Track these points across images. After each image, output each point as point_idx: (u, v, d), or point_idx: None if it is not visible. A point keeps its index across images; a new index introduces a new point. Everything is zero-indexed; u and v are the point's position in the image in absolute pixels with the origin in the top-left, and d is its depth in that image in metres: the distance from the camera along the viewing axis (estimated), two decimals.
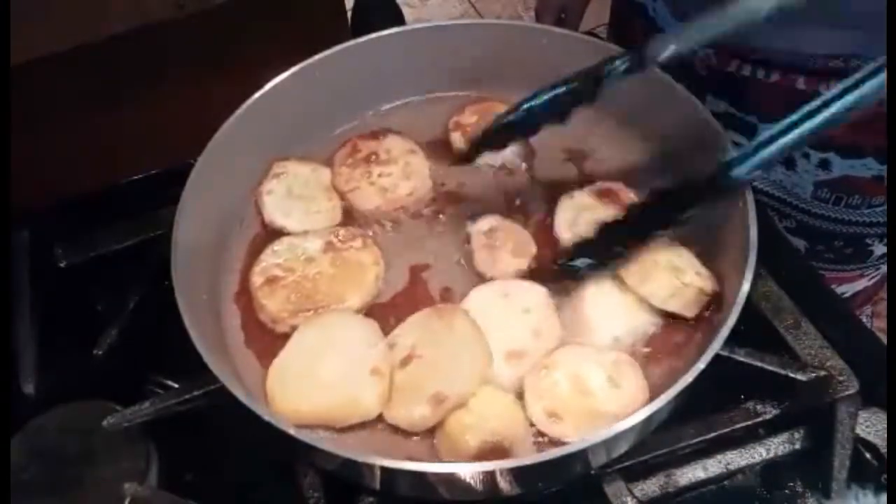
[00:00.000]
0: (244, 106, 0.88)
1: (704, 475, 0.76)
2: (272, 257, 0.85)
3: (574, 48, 0.93)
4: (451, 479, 0.67)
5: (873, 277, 1.17)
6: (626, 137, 0.93)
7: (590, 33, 1.01)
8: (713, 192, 0.74)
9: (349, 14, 1.27)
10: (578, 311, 0.80)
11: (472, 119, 0.95)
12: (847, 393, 0.77)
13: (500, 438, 0.71)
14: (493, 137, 0.85)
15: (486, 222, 0.87)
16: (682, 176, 0.75)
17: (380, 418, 0.74)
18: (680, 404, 0.68)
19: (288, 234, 0.87)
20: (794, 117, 0.70)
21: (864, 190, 1.02)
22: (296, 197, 0.90)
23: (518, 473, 0.66)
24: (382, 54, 0.95)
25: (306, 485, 0.74)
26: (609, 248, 0.78)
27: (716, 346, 0.68)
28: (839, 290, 1.14)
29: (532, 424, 0.73)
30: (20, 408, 0.83)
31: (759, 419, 0.77)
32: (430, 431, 0.74)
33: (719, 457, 0.77)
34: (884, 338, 0.87)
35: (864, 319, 1.28)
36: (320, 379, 0.75)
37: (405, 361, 0.76)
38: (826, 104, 0.68)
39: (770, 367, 0.77)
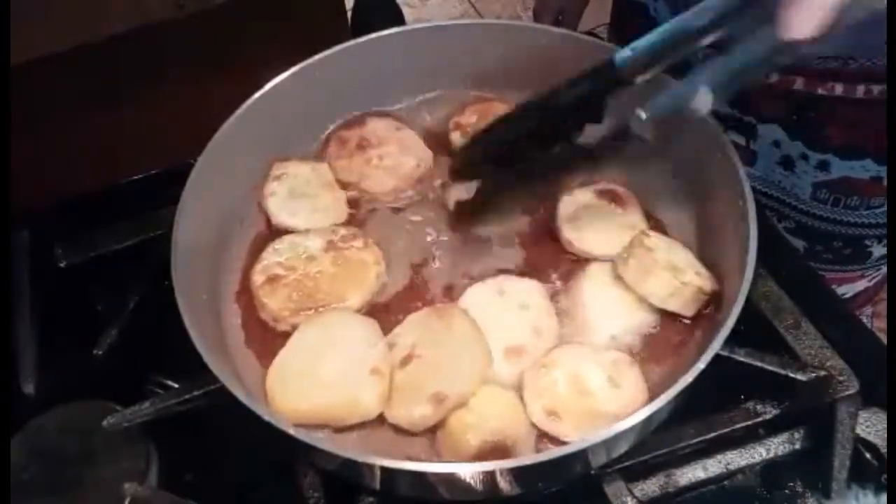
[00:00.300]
0: (244, 106, 0.88)
1: (704, 475, 0.76)
2: (273, 256, 0.85)
3: (574, 48, 0.93)
4: (451, 479, 0.67)
5: (873, 278, 1.17)
6: None
7: (590, 33, 1.01)
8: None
9: (349, 14, 1.27)
10: (576, 309, 0.80)
11: (472, 119, 0.95)
12: (847, 393, 0.77)
13: (501, 437, 0.72)
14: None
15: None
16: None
17: (380, 418, 0.74)
18: (680, 404, 0.68)
19: (292, 232, 0.88)
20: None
21: (863, 191, 1.02)
22: (299, 196, 0.90)
23: (518, 473, 0.66)
24: (382, 54, 0.95)
25: (306, 485, 0.74)
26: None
27: (716, 346, 0.68)
28: (839, 290, 1.14)
29: (532, 423, 0.73)
30: (20, 408, 0.83)
31: (759, 419, 0.77)
32: (432, 430, 0.74)
33: (719, 457, 0.77)
34: (884, 338, 0.87)
35: (864, 319, 1.28)
36: (320, 378, 0.75)
37: (405, 361, 0.76)
38: None
39: (770, 367, 0.77)
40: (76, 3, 0.92)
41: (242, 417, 0.67)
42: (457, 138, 0.94)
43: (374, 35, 0.94)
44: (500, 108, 0.96)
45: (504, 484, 0.68)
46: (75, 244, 0.95)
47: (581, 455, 0.67)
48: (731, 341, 0.69)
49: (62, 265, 0.94)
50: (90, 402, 0.81)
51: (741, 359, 0.76)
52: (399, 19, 1.58)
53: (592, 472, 0.73)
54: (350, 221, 0.90)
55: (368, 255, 0.85)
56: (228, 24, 1.03)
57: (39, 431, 0.79)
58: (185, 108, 0.99)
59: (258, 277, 0.83)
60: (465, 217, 0.87)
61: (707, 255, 0.82)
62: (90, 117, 1.03)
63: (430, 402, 0.73)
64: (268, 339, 0.81)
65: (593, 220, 0.85)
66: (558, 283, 0.84)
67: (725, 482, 0.77)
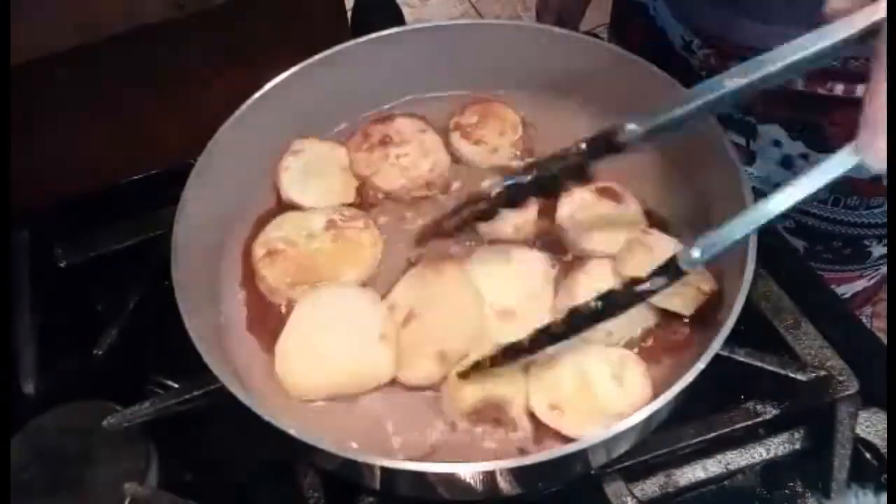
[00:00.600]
0: (244, 106, 0.88)
1: (704, 475, 0.76)
2: (275, 230, 0.86)
3: (574, 48, 0.94)
4: (451, 479, 0.67)
5: (872, 278, 1.17)
6: None
7: (590, 33, 1.01)
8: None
9: (349, 14, 1.27)
10: (574, 303, 0.80)
11: (473, 119, 0.95)
12: (847, 393, 0.77)
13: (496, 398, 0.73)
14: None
15: None
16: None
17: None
18: (680, 404, 0.68)
19: (299, 209, 0.89)
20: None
21: (863, 191, 1.02)
22: (312, 174, 0.92)
23: (518, 473, 0.66)
24: (382, 54, 0.95)
25: (306, 485, 0.74)
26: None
27: (716, 346, 0.68)
28: (838, 290, 1.14)
29: (533, 414, 0.74)
30: (20, 408, 0.83)
31: (759, 419, 0.77)
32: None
33: (719, 457, 0.77)
34: (884, 338, 0.87)
35: (864, 319, 1.28)
36: (331, 352, 0.77)
37: (406, 321, 0.78)
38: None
39: (770, 367, 0.77)
40: (76, 3, 0.92)
41: (242, 417, 0.67)
42: (456, 139, 0.94)
43: (374, 35, 0.94)
44: (499, 109, 0.96)
45: (504, 484, 0.68)
46: (75, 244, 0.95)
47: (581, 455, 0.67)
48: (731, 341, 0.69)
49: (62, 265, 0.94)
50: (90, 402, 0.81)
51: (741, 359, 0.76)
52: (399, 19, 1.58)
53: (592, 472, 0.73)
54: (356, 206, 0.91)
55: (367, 235, 0.86)
56: (228, 24, 1.03)
57: (39, 431, 0.79)
58: (186, 108, 0.99)
59: (259, 250, 0.85)
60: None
61: None
62: (90, 117, 1.03)
63: (433, 360, 0.75)
64: (270, 322, 0.81)
65: (592, 218, 0.85)
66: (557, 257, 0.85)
67: (725, 482, 0.77)
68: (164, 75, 1.04)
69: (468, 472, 0.66)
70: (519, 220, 0.85)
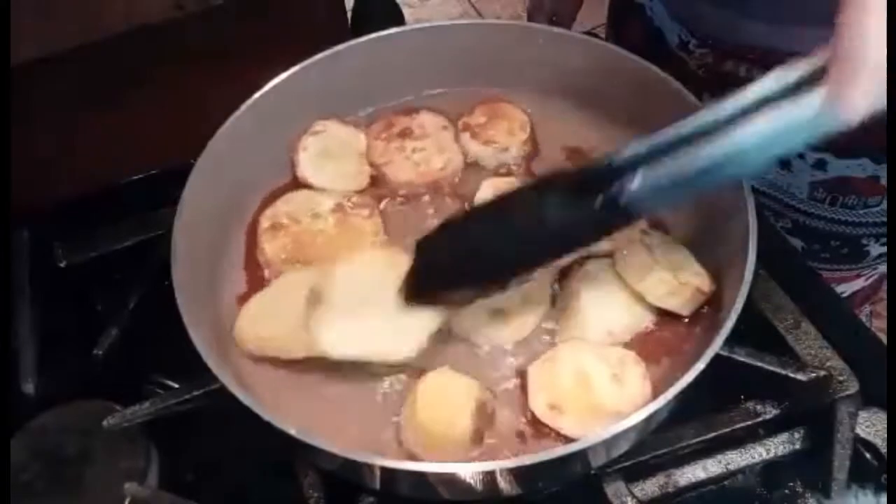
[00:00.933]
0: (244, 106, 0.88)
1: (704, 475, 0.76)
2: (284, 205, 0.88)
3: (573, 48, 0.94)
4: (451, 479, 0.67)
5: (870, 277, 1.18)
6: (626, 137, 0.93)
7: (589, 33, 1.01)
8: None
9: (349, 14, 1.27)
10: (573, 305, 0.80)
11: (482, 119, 0.95)
12: (847, 393, 0.77)
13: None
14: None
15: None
16: None
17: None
18: (680, 404, 0.68)
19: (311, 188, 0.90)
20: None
21: (860, 190, 1.02)
22: (330, 156, 0.93)
23: (518, 473, 0.66)
24: (382, 54, 0.95)
25: (306, 485, 0.74)
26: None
27: (716, 346, 0.68)
28: (837, 290, 1.14)
29: (534, 415, 0.74)
30: (20, 408, 0.83)
31: (759, 419, 0.77)
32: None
33: (719, 457, 0.77)
34: (884, 338, 0.87)
35: (864, 319, 1.28)
36: (284, 312, 0.77)
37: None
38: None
39: (770, 367, 0.77)
40: (76, 3, 0.92)
41: (242, 417, 0.67)
42: (466, 139, 0.94)
43: (374, 35, 0.94)
44: (507, 108, 0.96)
45: (504, 484, 0.68)
46: (75, 244, 0.95)
47: (581, 455, 0.66)
48: (730, 341, 0.69)
49: (62, 265, 0.94)
50: (90, 402, 0.80)
51: (741, 359, 0.76)
52: (399, 19, 1.58)
53: (592, 472, 0.73)
54: (368, 193, 0.91)
55: (370, 225, 0.87)
56: (228, 24, 1.03)
57: (39, 431, 0.79)
58: (185, 108, 0.99)
59: (265, 222, 0.86)
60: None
61: (706, 255, 0.82)
62: (90, 117, 1.03)
63: None
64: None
65: None
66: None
67: (725, 482, 0.77)
68: (163, 75, 1.04)
69: (468, 472, 0.66)
70: None
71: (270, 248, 0.85)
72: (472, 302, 0.76)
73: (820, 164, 1.00)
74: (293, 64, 0.91)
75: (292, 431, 0.66)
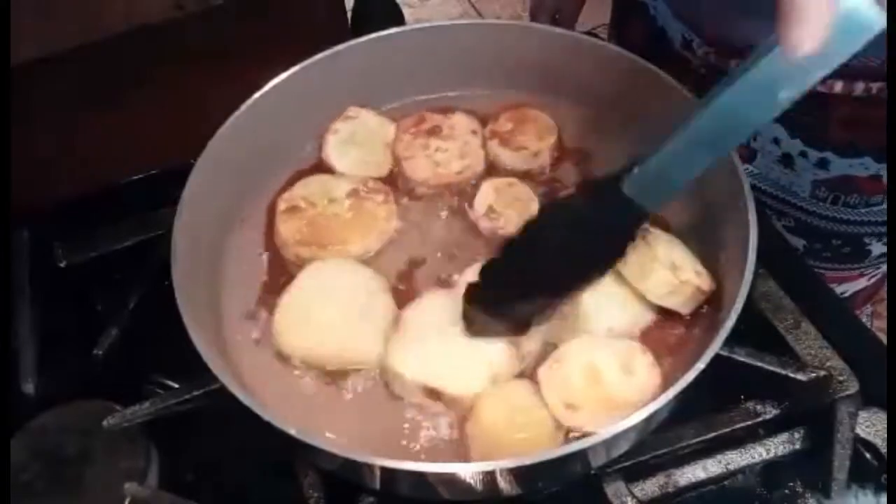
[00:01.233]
0: (244, 106, 0.88)
1: (704, 475, 0.76)
2: (301, 189, 0.89)
3: (574, 48, 0.93)
4: (451, 479, 0.67)
5: (873, 276, 1.17)
6: (626, 137, 0.93)
7: (590, 33, 1.01)
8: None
9: (349, 14, 1.27)
10: (574, 302, 0.80)
11: (508, 126, 0.94)
12: (847, 393, 0.77)
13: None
14: None
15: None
16: None
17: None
18: (680, 404, 0.68)
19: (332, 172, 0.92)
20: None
21: (862, 189, 1.02)
22: (355, 142, 0.94)
23: (518, 473, 0.66)
24: (382, 54, 0.95)
25: (306, 485, 0.74)
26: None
27: (716, 346, 0.68)
28: (838, 289, 1.14)
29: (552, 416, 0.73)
30: (20, 408, 0.83)
31: (759, 419, 0.77)
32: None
33: (719, 457, 0.77)
34: (884, 338, 0.87)
35: (864, 319, 1.28)
36: (328, 321, 0.79)
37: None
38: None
39: (770, 367, 0.77)
40: (76, 3, 0.92)
41: (242, 417, 0.67)
42: (494, 146, 0.93)
43: (374, 35, 0.94)
44: (533, 114, 0.95)
45: (504, 484, 0.68)
46: (75, 244, 0.95)
47: (581, 455, 0.66)
48: (730, 341, 0.69)
49: (62, 265, 0.94)
50: (90, 402, 0.81)
51: (741, 359, 0.76)
52: (399, 19, 1.58)
53: (592, 472, 0.73)
54: (386, 182, 0.92)
55: (383, 210, 0.88)
56: (228, 24, 1.03)
57: (39, 431, 0.79)
58: (185, 108, 0.99)
59: (282, 204, 0.88)
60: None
61: (706, 254, 0.82)
62: (90, 117, 1.03)
63: None
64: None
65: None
66: None
67: (725, 482, 0.77)
68: (163, 75, 1.04)
69: (468, 472, 0.66)
70: (519, 219, 0.85)
71: (284, 229, 0.86)
72: (528, 328, 0.77)
73: (822, 163, 1.00)
74: (293, 64, 0.91)
75: (292, 431, 0.66)
